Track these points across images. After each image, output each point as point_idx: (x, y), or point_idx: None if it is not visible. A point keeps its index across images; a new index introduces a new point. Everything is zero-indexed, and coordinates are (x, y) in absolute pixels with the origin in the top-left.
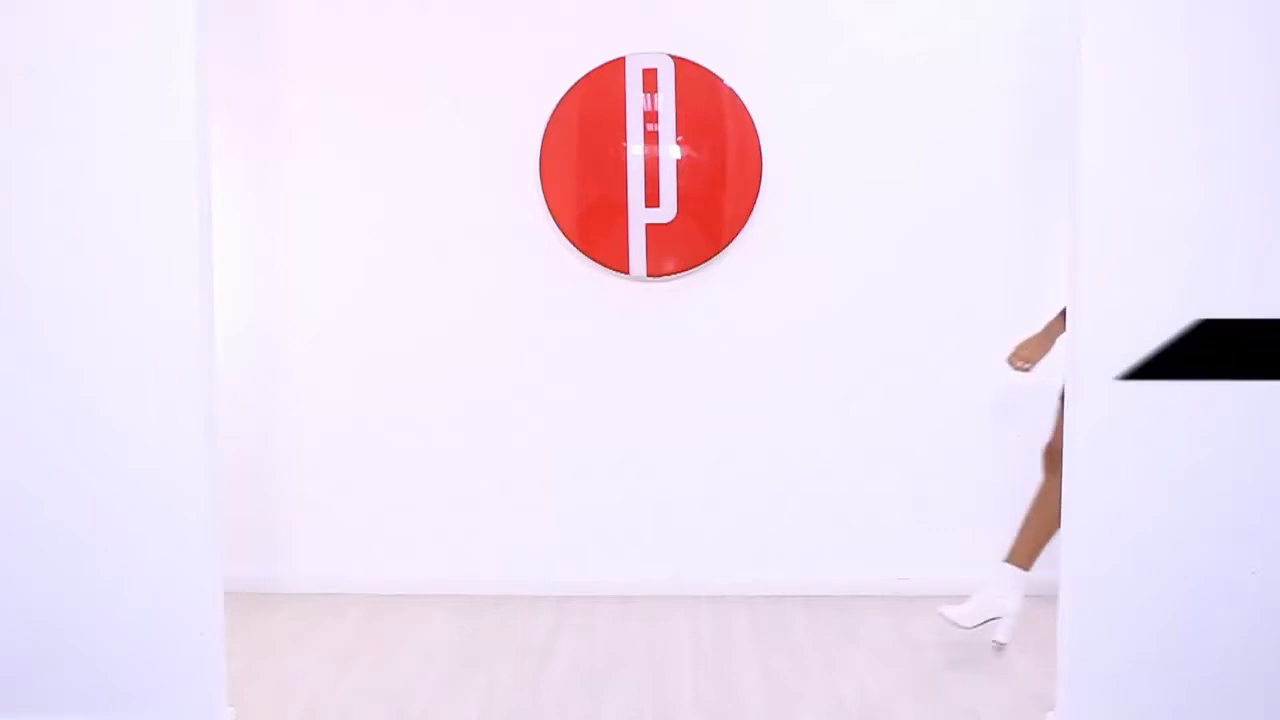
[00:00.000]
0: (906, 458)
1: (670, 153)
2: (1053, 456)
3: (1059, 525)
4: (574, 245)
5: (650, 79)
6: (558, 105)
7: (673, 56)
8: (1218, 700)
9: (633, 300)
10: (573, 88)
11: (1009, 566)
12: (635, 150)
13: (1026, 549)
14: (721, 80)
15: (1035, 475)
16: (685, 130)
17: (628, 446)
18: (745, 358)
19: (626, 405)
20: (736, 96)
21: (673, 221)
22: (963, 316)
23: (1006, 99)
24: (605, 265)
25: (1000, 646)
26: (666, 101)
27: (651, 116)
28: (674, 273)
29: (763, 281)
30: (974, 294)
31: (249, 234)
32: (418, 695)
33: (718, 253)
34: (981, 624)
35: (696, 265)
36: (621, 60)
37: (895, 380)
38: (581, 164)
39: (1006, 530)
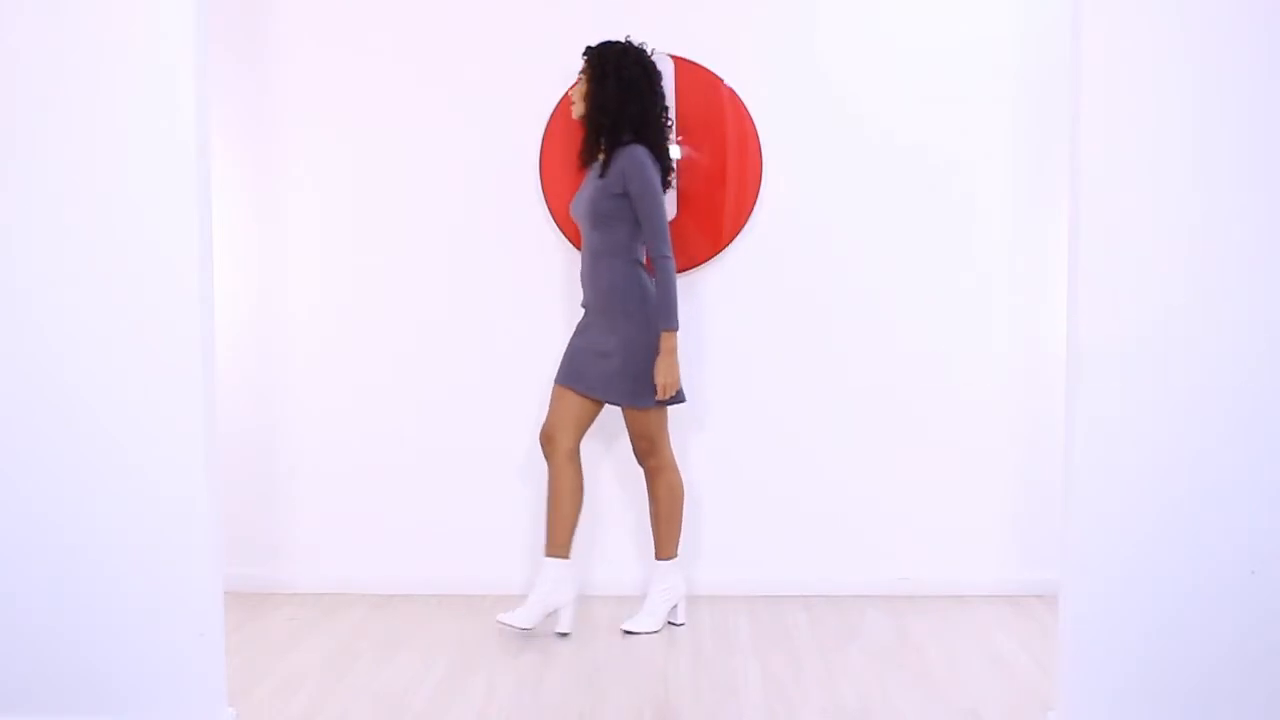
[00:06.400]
0: (907, 457)
1: (670, 153)
2: (547, 443)
3: (576, 507)
4: (575, 246)
5: None
6: (558, 105)
7: (673, 56)
8: (1217, 700)
9: None
10: (573, 88)
11: (551, 560)
12: None
13: (560, 538)
14: (721, 80)
15: (1036, 473)
16: (685, 130)
17: (627, 446)
18: (744, 358)
19: None
20: (736, 96)
21: (673, 221)
22: (963, 315)
23: (1008, 98)
24: None
25: (565, 636)
26: (667, 101)
27: None
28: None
29: (763, 281)
30: (975, 293)
31: (249, 235)
32: (418, 695)
33: (718, 253)
34: (542, 619)
35: (696, 265)
36: None
37: (895, 380)
38: (582, 164)
39: (1007, 529)
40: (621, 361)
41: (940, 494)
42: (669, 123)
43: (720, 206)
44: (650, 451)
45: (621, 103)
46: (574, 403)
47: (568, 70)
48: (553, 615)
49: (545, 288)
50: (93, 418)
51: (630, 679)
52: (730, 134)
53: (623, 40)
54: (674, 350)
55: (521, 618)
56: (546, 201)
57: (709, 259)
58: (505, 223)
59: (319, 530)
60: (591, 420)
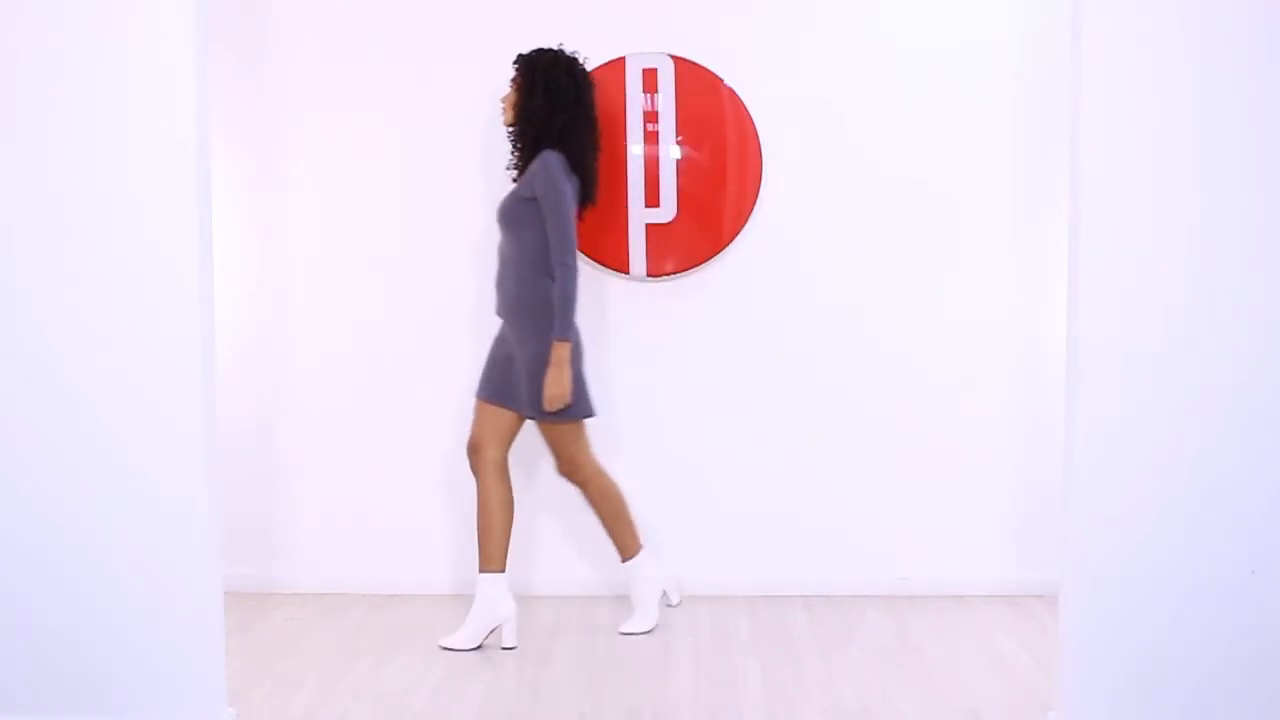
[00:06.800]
0: (907, 457)
1: (670, 153)
2: (473, 455)
3: (507, 520)
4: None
5: (650, 79)
6: None
7: (673, 56)
8: (1218, 700)
9: (633, 300)
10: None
11: (486, 575)
12: (635, 150)
13: (493, 552)
14: (721, 80)
15: (1036, 473)
16: (685, 130)
17: (627, 446)
18: (745, 358)
19: (626, 405)
20: (736, 96)
21: (673, 221)
22: (963, 316)
23: (1008, 98)
24: (605, 265)
25: (511, 650)
26: (666, 101)
27: (651, 116)
28: (674, 273)
29: (763, 281)
30: (975, 294)
31: (249, 235)
32: (417, 695)
33: (718, 253)
34: (486, 638)
35: (696, 265)
36: (621, 60)
37: (895, 380)
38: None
39: (1007, 529)
40: (526, 372)
41: (940, 494)
42: (597, 133)
43: (720, 206)
44: (572, 468)
45: (548, 113)
46: (492, 414)
47: None
48: (496, 631)
49: None
50: (93, 418)
51: (630, 679)
52: (730, 134)
53: (555, 49)
54: (564, 362)
55: (463, 639)
56: None
57: (709, 259)
58: None
59: (319, 530)
60: (515, 430)
